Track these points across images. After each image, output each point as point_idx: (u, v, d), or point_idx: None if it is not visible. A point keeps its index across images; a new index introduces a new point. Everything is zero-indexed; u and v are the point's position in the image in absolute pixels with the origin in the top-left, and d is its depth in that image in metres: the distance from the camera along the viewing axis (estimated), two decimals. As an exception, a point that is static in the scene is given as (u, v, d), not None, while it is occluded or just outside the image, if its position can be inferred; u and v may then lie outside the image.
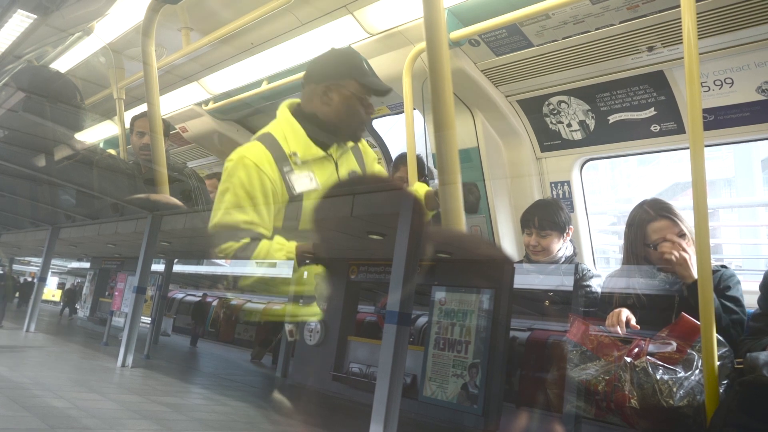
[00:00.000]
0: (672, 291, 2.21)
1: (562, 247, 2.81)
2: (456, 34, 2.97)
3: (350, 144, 2.44)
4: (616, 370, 1.97)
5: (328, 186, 2.29)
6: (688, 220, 2.26)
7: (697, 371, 1.87)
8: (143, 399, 2.26)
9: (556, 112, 3.27)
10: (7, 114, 3.24)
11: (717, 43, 2.57)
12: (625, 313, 2.13)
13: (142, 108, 3.59)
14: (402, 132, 3.35)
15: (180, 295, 6.26)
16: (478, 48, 3.14)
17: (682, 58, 1.90)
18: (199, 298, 5.96)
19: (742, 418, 1.61)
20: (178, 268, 4.83)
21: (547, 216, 2.78)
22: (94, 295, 5.31)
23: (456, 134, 2.14)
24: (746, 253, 4.33)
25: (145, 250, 3.24)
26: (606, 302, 2.38)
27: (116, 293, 4.22)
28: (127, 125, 3.91)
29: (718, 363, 1.79)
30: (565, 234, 2.81)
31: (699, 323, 1.83)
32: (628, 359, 1.96)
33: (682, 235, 2.24)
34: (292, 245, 2.32)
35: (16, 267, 8.26)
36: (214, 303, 5.76)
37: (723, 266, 2.28)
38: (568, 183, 3.39)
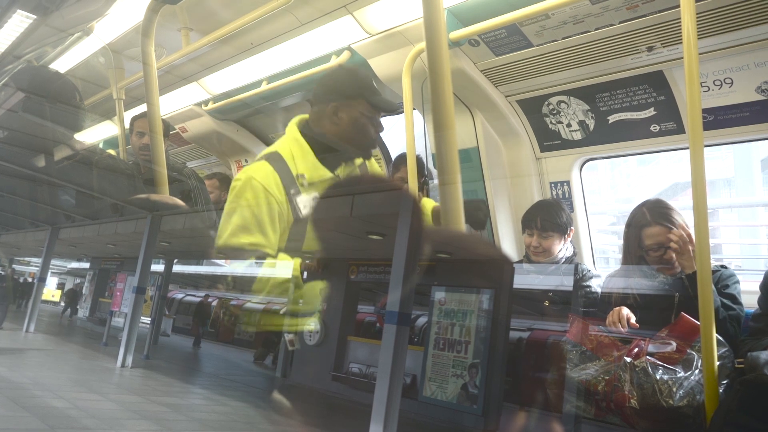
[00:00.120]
0: (671, 291, 2.22)
1: (562, 248, 2.81)
2: (456, 34, 2.97)
3: (359, 162, 2.44)
4: (616, 370, 1.97)
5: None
6: (686, 224, 2.27)
7: (696, 371, 1.87)
8: (143, 399, 2.26)
9: (555, 112, 3.27)
10: (6, 114, 3.24)
11: (716, 43, 2.57)
12: (626, 312, 2.13)
13: (142, 108, 3.59)
14: (402, 132, 3.35)
15: (180, 296, 6.26)
16: (478, 48, 3.14)
17: (682, 58, 1.90)
18: (200, 299, 5.96)
19: (742, 417, 1.60)
20: (177, 268, 4.83)
21: (549, 217, 2.78)
22: (94, 296, 5.31)
23: (456, 134, 2.14)
24: (746, 253, 4.32)
25: (145, 250, 3.24)
26: (606, 302, 2.39)
27: (116, 293, 4.22)
28: (127, 125, 3.90)
29: (717, 363, 1.79)
30: (566, 235, 2.81)
31: (699, 323, 1.83)
32: (628, 359, 1.96)
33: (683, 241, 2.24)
34: (297, 262, 2.33)
35: (16, 268, 8.24)
36: (214, 303, 5.76)
37: (723, 266, 2.29)
38: (568, 183, 3.39)
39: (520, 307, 2.61)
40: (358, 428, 1.88)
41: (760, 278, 2.11)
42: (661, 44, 2.71)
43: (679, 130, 2.90)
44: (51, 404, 1.92)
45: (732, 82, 2.66)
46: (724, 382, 1.83)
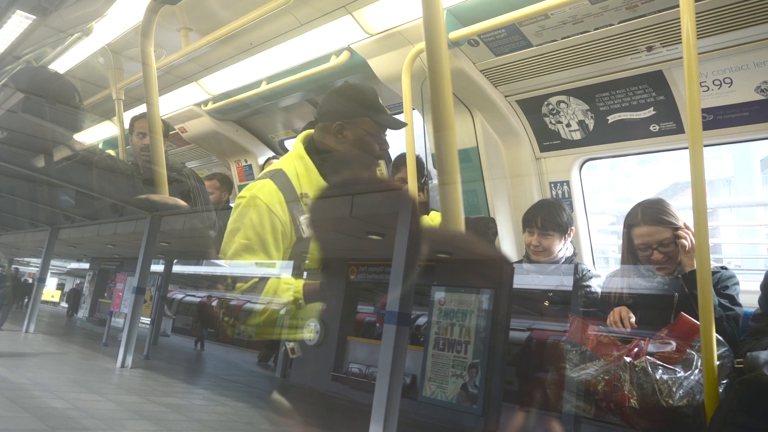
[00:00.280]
0: (670, 291, 2.22)
1: (562, 248, 2.81)
2: (455, 34, 2.97)
3: None
4: (616, 369, 1.97)
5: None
6: (679, 222, 2.28)
7: (696, 371, 1.87)
8: (143, 399, 2.26)
9: (555, 112, 3.27)
10: (6, 115, 3.23)
11: (716, 42, 2.57)
12: (627, 311, 2.14)
13: (142, 109, 3.59)
14: (401, 132, 3.35)
15: (179, 296, 6.25)
16: (478, 48, 3.14)
17: (681, 57, 1.90)
18: (203, 299, 5.94)
19: (742, 417, 1.61)
20: (177, 268, 4.83)
21: (550, 216, 2.78)
22: (94, 296, 5.30)
23: (455, 134, 2.14)
24: (745, 252, 4.32)
25: (145, 250, 3.23)
26: (605, 302, 2.39)
27: (116, 294, 4.21)
28: (127, 126, 3.90)
29: (717, 362, 1.79)
30: (566, 235, 2.81)
31: (698, 323, 1.83)
32: (628, 359, 1.96)
33: (670, 242, 2.26)
34: (299, 284, 2.33)
35: (19, 268, 8.23)
36: (214, 303, 5.75)
37: (723, 268, 2.29)
38: (568, 183, 3.40)
39: (520, 307, 2.61)
40: (358, 428, 1.88)
41: (760, 278, 2.11)
42: (661, 44, 2.71)
43: (679, 129, 2.91)
44: (51, 405, 1.92)
45: (731, 82, 2.66)
46: (724, 381, 1.83)
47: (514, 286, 2.20)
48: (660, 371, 1.88)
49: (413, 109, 3.28)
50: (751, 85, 2.62)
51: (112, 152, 4.51)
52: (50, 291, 10.73)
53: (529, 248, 2.83)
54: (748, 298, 2.19)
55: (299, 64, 3.84)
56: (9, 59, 3.63)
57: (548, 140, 3.41)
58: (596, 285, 2.64)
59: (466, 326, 2.19)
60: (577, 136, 3.27)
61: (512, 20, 2.80)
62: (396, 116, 2.93)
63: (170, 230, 3.21)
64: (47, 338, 4.27)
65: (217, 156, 5.57)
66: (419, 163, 3.27)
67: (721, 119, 2.74)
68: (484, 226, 2.57)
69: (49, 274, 5.08)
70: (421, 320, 2.86)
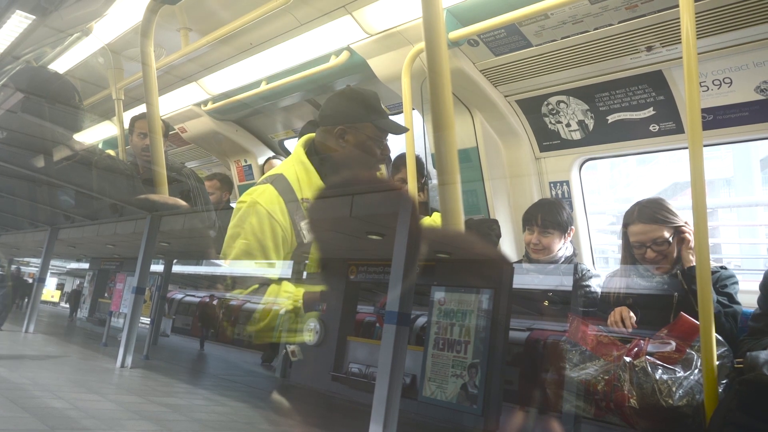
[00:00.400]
0: (670, 290, 2.22)
1: (562, 247, 2.81)
2: (455, 34, 2.97)
3: None
4: (616, 369, 1.97)
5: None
6: (676, 220, 2.29)
7: (696, 371, 1.87)
8: (142, 399, 2.26)
9: (555, 111, 3.27)
10: (5, 115, 3.23)
11: (716, 42, 2.57)
12: (628, 311, 2.14)
13: (142, 109, 3.59)
14: (401, 132, 3.34)
15: (179, 296, 6.25)
16: (477, 48, 3.14)
17: (681, 57, 1.90)
18: (206, 300, 5.93)
19: (741, 417, 1.61)
20: (177, 268, 4.83)
21: (551, 215, 2.79)
22: (93, 296, 5.30)
23: (455, 134, 2.14)
24: (745, 252, 4.33)
25: (144, 250, 3.23)
26: (605, 302, 2.39)
27: (115, 294, 4.21)
28: (126, 126, 3.90)
29: (717, 362, 1.79)
30: (566, 234, 2.81)
31: (698, 323, 1.83)
32: (628, 359, 1.96)
33: (663, 241, 2.26)
34: (299, 292, 2.33)
35: (22, 269, 8.21)
36: (215, 303, 5.75)
37: (723, 267, 2.29)
38: (567, 183, 3.40)
39: (520, 307, 2.61)
40: (358, 428, 1.88)
41: (760, 278, 2.11)
42: (660, 44, 2.71)
43: (679, 129, 2.90)
44: (50, 405, 1.92)
45: (731, 82, 2.66)
46: (724, 381, 1.83)
47: (514, 286, 2.20)
48: (660, 371, 1.88)
49: (413, 109, 3.28)
50: (751, 85, 2.62)
51: (111, 152, 4.51)
52: (50, 291, 10.73)
53: (529, 247, 2.83)
54: (747, 298, 2.19)
55: (299, 64, 3.84)
56: (9, 59, 3.63)
57: (548, 140, 3.40)
58: (596, 285, 2.64)
59: (466, 326, 2.19)
60: (576, 136, 3.27)
61: (512, 20, 2.80)
62: (396, 118, 2.93)
63: (170, 230, 3.22)
64: (47, 338, 4.27)
65: (216, 156, 5.56)
66: (419, 163, 3.27)
67: (721, 119, 2.74)
68: (487, 228, 2.57)
69: (48, 274, 5.08)
70: (421, 320, 2.86)
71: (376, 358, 2.10)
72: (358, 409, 2.33)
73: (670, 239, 2.28)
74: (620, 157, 3.68)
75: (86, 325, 5.29)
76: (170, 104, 4.87)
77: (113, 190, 3.62)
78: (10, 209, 5.11)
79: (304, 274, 2.86)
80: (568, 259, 2.82)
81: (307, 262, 2.49)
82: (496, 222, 3.12)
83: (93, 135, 5.36)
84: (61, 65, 4.29)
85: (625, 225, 2.39)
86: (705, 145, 1.87)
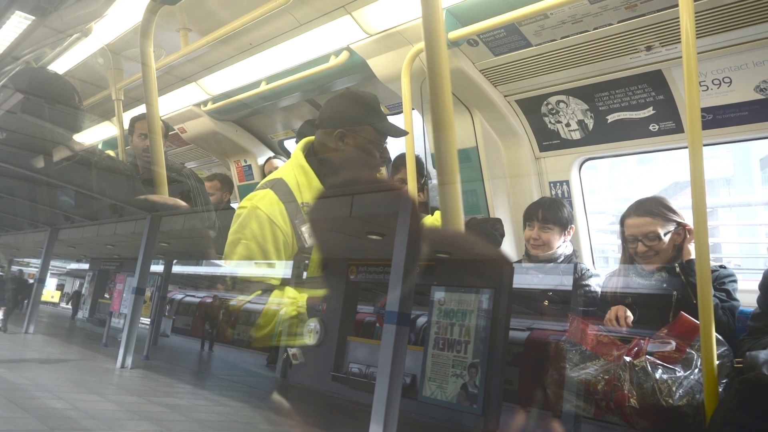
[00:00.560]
0: (669, 289, 2.22)
1: (561, 245, 2.81)
2: (454, 34, 2.97)
3: None
4: (616, 369, 1.97)
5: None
6: (674, 217, 2.29)
7: (696, 370, 1.87)
8: (143, 400, 2.26)
9: (554, 111, 3.27)
10: (5, 115, 3.24)
11: (715, 42, 2.57)
12: (624, 309, 2.14)
13: (143, 109, 3.59)
14: (401, 132, 3.34)
15: (179, 296, 6.25)
16: (477, 48, 3.14)
17: (681, 57, 1.90)
18: (205, 300, 5.93)
19: (741, 416, 1.61)
20: (176, 268, 4.83)
21: (551, 210, 2.80)
22: (93, 296, 5.30)
23: (455, 134, 2.14)
24: (745, 252, 4.33)
25: (144, 250, 3.23)
26: (605, 301, 2.39)
27: (115, 294, 4.21)
28: (126, 126, 3.91)
29: (717, 362, 1.79)
30: (566, 231, 2.82)
31: (698, 322, 1.83)
32: (628, 358, 1.96)
33: (655, 236, 2.27)
34: (303, 297, 2.33)
35: (23, 269, 8.21)
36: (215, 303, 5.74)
37: (722, 266, 2.29)
38: (567, 182, 3.40)
39: (520, 307, 2.61)
40: (358, 428, 1.88)
41: (759, 277, 2.11)
42: (660, 44, 2.71)
43: (678, 129, 2.91)
44: (50, 405, 1.92)
45: (731, 81, 2.66)
46: (724, 381, 1.83)
47: (514, 285, 2.20)
48: (660, 371, 1.88)
49: (413, 109, 3.28)
50: (751, 85, 2.63)
51: (111, 153, 4.51)
52: (50, 291, 10.73)
53: (529, 242, 2.83)
54: (747, 297, 2.19)
55: (298, 65, 3.84)
56: (8, 60, 3.63)
57: (548, 140, 3.41)
58: (596, 284, 2.64)
59: (466, 326, 2.19)
60: (576, 135, 3.27)
61: (511, 20, 2.80)
62: (396, 117, 2.93)
63: (170, 230, 3.21)
64: (47, 339, 4.27)
65: (216, 156, 5.57)
66: (419, 163, 3.28)
67: (721, 119, 2.74)
68: (491, 227, 2.57)
69: (48, 274, 5.08)
70: (421, 320, 2.86)
71: (376, 358, 2.10)
72: (358, 409, 2.33)
73: (662, 235, 2.28)
74: (620, 156, 3.68)
75: (86, 325, 5.28)
76: (170, 104, 4.87)
77: (113, 191, 3.62)
78: (10, 210, 5.12)
79: (304, 274, 2.87)
80: (568, 259, 2.83)
81: (308, 263, 2.49)
82: (499, 221, 3.13)
83: (93, 135, 5.36)
84: (60, 66, 4.30)
85: (623, 219, 2.40)
86: (705, 145, 1.87)
